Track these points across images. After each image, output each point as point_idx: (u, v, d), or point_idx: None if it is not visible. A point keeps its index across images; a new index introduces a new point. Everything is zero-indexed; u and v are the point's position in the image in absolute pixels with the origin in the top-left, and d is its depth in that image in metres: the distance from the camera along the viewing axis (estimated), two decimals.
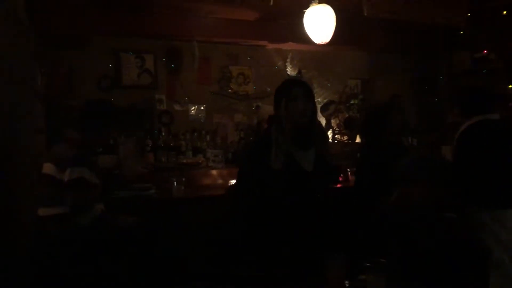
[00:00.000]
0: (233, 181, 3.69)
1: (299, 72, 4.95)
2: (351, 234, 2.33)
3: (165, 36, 4.37)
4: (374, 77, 5.41)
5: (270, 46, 4.84)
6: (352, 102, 5.28)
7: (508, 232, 2.52)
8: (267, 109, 4.33)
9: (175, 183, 3.56)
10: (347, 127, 4.96)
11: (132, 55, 4.45)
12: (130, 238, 2.55)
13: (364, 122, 3.44)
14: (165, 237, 2.96)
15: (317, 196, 2.14)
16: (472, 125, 2.66)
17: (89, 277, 2.38)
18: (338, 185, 3.90)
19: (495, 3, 4.45)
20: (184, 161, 4.22)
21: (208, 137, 4.55)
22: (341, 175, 4.04)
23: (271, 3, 3.56)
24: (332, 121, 5.05)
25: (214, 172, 4.22)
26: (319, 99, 5.03)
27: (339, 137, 4.99)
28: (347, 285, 1.76)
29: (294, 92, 2.12)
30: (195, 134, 4.52)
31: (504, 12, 4.45)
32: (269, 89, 4.79)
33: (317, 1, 3.50)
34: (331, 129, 4.99)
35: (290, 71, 4.97)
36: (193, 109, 4.69)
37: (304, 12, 3.55)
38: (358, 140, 4.81)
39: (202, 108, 4.72)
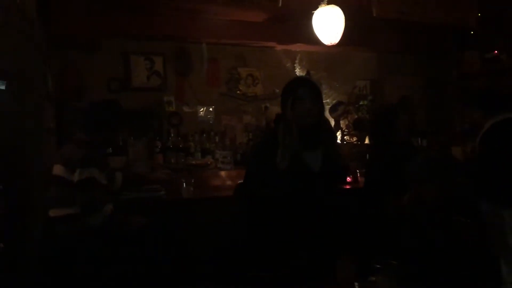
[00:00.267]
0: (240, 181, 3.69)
1: (308, 73, 4.94)
2: (361, 235, 2.31)
3: (174, 38, 4.39)
4: (383, 78, 5.38)
5: (279, 47, 4.84)
6: (361, 103, 5.25)
7: None
8: (276, 110, 4.32)
9: (184, 184, 3.57)
10: (356, 128, 4.94)
11: (142, 57, 4.47)
12: (140, 239, 2.56)
13: (373, 123, 3.42)
14: (174, 238, 2.97)
15: (324, 196, 2.12)
16: (496, 124, 2.68)
17: (99, 278, 2.39)
18: (347, 186, 3.89)
19: (506, 2, 4.41)
20: (193, 162, 4.23)
21: (216, 139, 4.56)
22: (350, 175, 4.03)
23: (280, 4, 3.56)
24: (341, 122, 5.03)
25: (223, 173, 4.22)
26: (327, 100, 5.01)
27: (348, 138, 4.97)
28: (356, 286, 1.75)
29: (300, 92, 2.10)
30: (204, 135, 4.53)
31: None
32: (277, 91, 4.78)
33: (326, 2, 3.50)
34: (340, 130, 4.97)
35: (298, 72, 4.97)
36: (202, 111, 4.70)
37: (313, 13, 3.55)
38: (367, 141, 4.79)
39: (210, 109, 4.73)
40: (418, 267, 1.87)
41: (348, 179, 3.99)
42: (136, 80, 4.45)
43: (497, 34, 4.69)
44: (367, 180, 3.18)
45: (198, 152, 4.40)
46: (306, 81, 2.27)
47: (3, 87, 2.81)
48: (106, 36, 4.21)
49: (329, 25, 3.50)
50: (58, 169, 2.44)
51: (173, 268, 2.90)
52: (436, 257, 2.01)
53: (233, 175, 4.13)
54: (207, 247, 3.27)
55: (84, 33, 4.01)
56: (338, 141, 4.79)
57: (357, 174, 4.13)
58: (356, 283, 1.75)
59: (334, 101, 5.08)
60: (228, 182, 4.15)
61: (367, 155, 3.68)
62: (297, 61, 5.01)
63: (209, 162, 4.28)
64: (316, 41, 3.69)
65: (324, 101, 2.30)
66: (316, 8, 3.53)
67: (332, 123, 4.87)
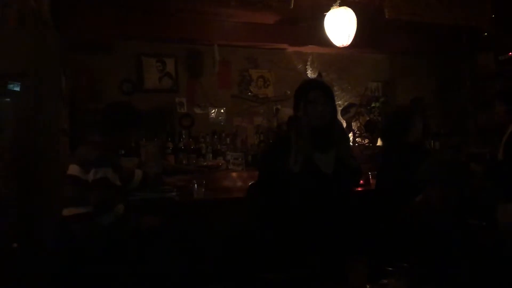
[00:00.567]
0: (253, 182, 3.70)
1: (319, 75, 4.94)
2: (373, 238, 2.30)
3: (186, 40, 4.42)
4: (396, 80, 5.36)
5: (290, 49, 4.84)
6: (373, 105, 5.23)
7: None
8: (287, 112, 4.33)
9: (195, 185, 3.58)
10: (368, 130, 4.92)
11: (154, 59, 4.51)
12: (151, 239, 2.58)
13: (385, 125, 3.40)
14: (185, 238, 2.98)
15: (337, 199, 2.11)
16: None
17: (110, 277, 2.41)
18: (359, 189, 3.86)
19: None
20: (205, 163, 4.25)
21: (228, 140, 4.57)
22: (363, 178, 4.00)
23: (292, 6, 3.56)
24: (353, 124, 5.01)
25: (234, 174, 4.23)
26: (339, 102, 5.00)
27: (360, 140, 4.95)
28: None
29: (312, 95, 2.10)
30: (215, 136, 4.55)
31: None
32: (289, 92, 4.78)
33: (338, 4, 3.49)
34: (351, 132, 4.95)
35: (310, 74, 4.96)
36: (213, 112, 4.72)
37: (325, 15, 3.55)
38: (379, 143, 4.76)
39: (222, 111, 4.74)
40: (431, 270, 1.85)
41: (361, 181, 3.96)
42: (148, 82, 4.49)
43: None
44: (379, 182, 3.17)
45: (209, 154, 4.41)
46: (318, 84, 2.27)
47: (18, 89, 2.86)
48: (119, 38, 4.25)
49: (341, 27, 3.50)
50: (73, 169, 2.47)
51: (184, 269, 2.92)
52: (449, 260, 1.99)
53: (244, 177, 4.13)
54: (218, 248, 3.27)
55: (98, 35, 4.06)
56: (350, 143, 4.77)
57: (369, 176, 4.11)
58: (367, 286, 1.74)
59: (346, 103, 5.07)
60: (239, 184, 4.15)
61: (379, 157, 3.66)
62: (308, 63, 5.00)
63: (220, 164, 4.29)
64: (327, 43, 3.69)
65: (335, 103, 2.29)
66: (328, 9, 3.53)
67: (344, 125, 4.85)
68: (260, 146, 4.66)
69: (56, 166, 3.00)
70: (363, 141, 4.94)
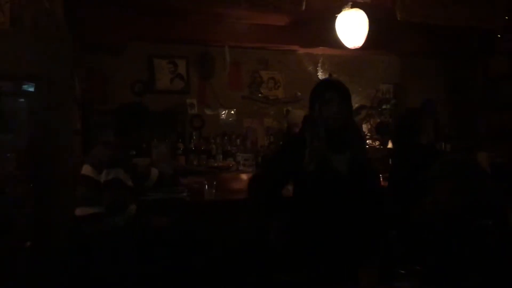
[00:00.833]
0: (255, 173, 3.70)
1: (330, 76, 4.93)
2: (385, 240, 2.28)
3: (197, 41, 4.44)
4: (407, 82, 5.32)
5: (301, 50, 4.84)
6: (384, 107, 5.20)
7: None
8: (298, 113, 4.32)
9: (206, 186, 3.59)
10: (379, 132, 4.89)
11: (165, 60, 4.53)
12: (164, 239, 2.59)
13: (397, 127, 3.38)
14: (195, 239, 2.99)
15: (352, 199, 2.09)
16: None
17: (123, 277, 2.43)
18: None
19: None
20: (215, 164, 4.26)
21: (238, 141, 4.58)
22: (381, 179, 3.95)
23: (303, 7, 3.56)
24: (364, 126, 4.98)
25: (244, 175, 4.23)
26: None
27: (371, 142, 4.92)
28: None
29: (327, 96, 2.08)
30: (226, 138, 4.56)
31: None
32: (299, 94, 4.78)
33: (350, 6, 3.48)
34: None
35: (321, 75, 4.95)
36: (224, 113, 4.73)
37: (336, 16, 3.54)
38: (390, 145, 4.73)
39: (232, 112, 4.75)
40: (443, 273, 1.84)
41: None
42: (160, 83, 4.51)
43: None
44: (390, 184, 3.15)
45: (219, 155, 4.43)
46: (334, 84, 2.22)
47: (32, 90, 2.90)
48: (131, 40, 4.28)
49: (352, 29, 3.49)
50: (86, 169, 2.50)
51: (195, 269, 2.93)
52: (460, 262, 1.97)
53: None
54: (228, 249, 3.28)
55: (110, 36, 4.09)
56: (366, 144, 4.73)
57: (380, 179, 4.08)
58: None
59: (356, 105, 5.04)
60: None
61: (390, 159, 3.64)
62: (319, 65, 5.00)
63: (230, 165, 4.30)
64: (339, 45, 3.68)
65: (352, 104, 2.26)
66: (339, 11, 3.52)
67: None
68: (270, 147, 4.66)
69: (69, 166, 3.03)
70: (373, 143, 4.91)
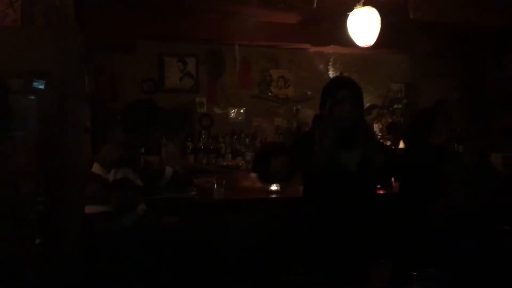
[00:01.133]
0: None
1: (341, 74, 4.89)
2: (398, 241, 2.25)
3: (207, 39, 4.42)
4: (419, 81, 5.26)
5: (312, 49, 4.81)
6: (395, 106, 5.16)
7: None
8: (307, 112, 4.30)
9: (215, 185, 3.57)
10: (390, 132, 4.84)
11: (175, 59, 4.53)
12: (173, 238, 2.58)
13: (408, 127, 3.34)
14: (205, 239, 2.97)
15: (362, 198, 2.06)
16: None
17: (131, 276, 2.42)
18: (381, 191, 3.78)
19: None
20: (224, 163, 4.25)
21: (247, 140, 4.56)
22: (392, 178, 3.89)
23: (314, 5, 3.52)
24: (375, 125, 4.94)
25: (253, 174, 4.21)
26: None
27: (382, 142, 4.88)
28: None
29: (339, 95, 2.04)
30: (235, 137, 4.55)
31: None
32: (309, 93, 4.75)
33: (362, 4, 3.44)
34: None
35: (331, 74, 4.92)
36: (233, 112, 4.72)
37: (348, 14, 3.50)
38: (401, 145, 4.68)
39: (241, 111, 4.74)
40: (457, 275, 1.80)
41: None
42: (169, 82, 4.51)
43: None
44: (403, 185, 3.11)
45: (228, 154, 4.42)
46: (347, 82, 2.18)
47: (42, 87, 2.90)
48: (141, 38, 4.28)
49: (364, 27, 3.45)
50: (96, 167, 2.48)
51: (204, 269, 2.91)
52: (474, 265, 1.94)
53: None
54: (237, 249, 3.26)
55: (120, 34, 4.09)
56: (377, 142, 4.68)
57: (392, 179, 4.03)
58: None
59: (367, 104, 4.99)
60: (259, 184, 4.12)
61: (402, 159, 3.58)
62: (330, 63, 4.96)
63: (240, 164, 4.29)
64: (350, 43, 3.64)
65: (363, 103, 2.22)
66: (351, 9, 3.47)
67: None
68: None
69: (79, 163, 3.03)
70: (385, 143, 4.87)
